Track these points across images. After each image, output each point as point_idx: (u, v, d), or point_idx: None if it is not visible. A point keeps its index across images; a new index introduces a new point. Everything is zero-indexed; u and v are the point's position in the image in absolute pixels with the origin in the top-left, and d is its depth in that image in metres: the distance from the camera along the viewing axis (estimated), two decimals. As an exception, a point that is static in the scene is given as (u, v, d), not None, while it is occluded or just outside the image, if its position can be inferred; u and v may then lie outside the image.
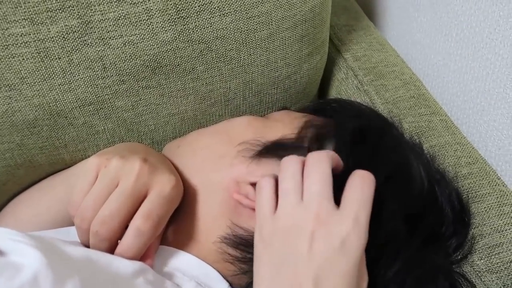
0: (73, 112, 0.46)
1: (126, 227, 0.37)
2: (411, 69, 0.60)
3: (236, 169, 0.40)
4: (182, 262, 0.39)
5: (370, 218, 0.31)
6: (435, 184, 0.41)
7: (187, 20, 0.44)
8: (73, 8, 0.41)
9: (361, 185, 0.32)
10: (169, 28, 0.44)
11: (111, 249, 0.37)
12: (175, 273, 0.37)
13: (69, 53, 0.42)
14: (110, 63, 0.44)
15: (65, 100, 0.45)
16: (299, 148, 0.39)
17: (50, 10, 0.40)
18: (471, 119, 0.53)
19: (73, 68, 0.43)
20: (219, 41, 0.46)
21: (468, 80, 0.53)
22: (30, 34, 0.41)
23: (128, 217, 0.36)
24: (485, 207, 0.45)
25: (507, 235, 0.43)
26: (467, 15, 0.51)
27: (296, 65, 0.52)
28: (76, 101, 0.45)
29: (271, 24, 0.47)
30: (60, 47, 0.42)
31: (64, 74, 0.43)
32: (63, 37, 0.41)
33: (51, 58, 0.42)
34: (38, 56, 0.42)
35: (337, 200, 0.32)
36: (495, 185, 0.47)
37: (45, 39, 0.41)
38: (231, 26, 0.46)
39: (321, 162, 0.33)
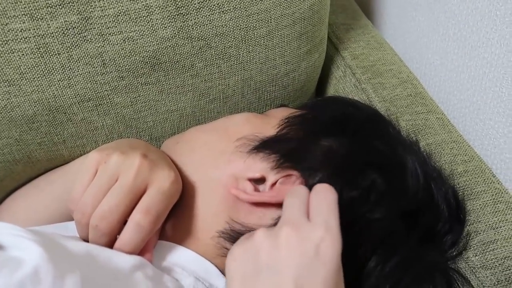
0: (72, 108, 0.46)
1: (125, 222, 0.37)
2: (408, 67, 0.60)
3: (233, 165, 0.40)
4: (180, 257, 0.39)
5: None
6: (431, 181, 0.41)
7: (186, 17, 0.44)
8: (73, 4, 0.41)
9: (324, 194, 0.32)
10: (168, 25, 0.44)
11: (110, 244, 0.37)
12: (174, 268, 0.38)
13: (68, 49, 0.42)
14: (110, 59, 0.44)
15: (64, 96, 0.45)
16: (290, 142, 0.40)
17: (50, 5, 0.40)
18: (467, 118, 0.54)
19: (72, 64, 0.43)
20: (218, 38, 0.46)
21: (464, 79, 0.53)
22: (29, 30, 0.41)
23: (127, 212, 0.36)
24: (480, 205, 0.45)
25: (501, 232, 0.43)
26: (464, 15, 0.51)
27: (294, 63, 0.52)
28: (75, 97, 0.46)
29: (270, 22, 0.48)
30: (59, 43, 0.42)
31: (64, 70, 0.43)
32: (63, 33, 0.42)
33: (50, 54, 0.42)
34: (38, 52, 0.42)
35: None
36: (490, 183, 0.47)
37: (45, 35, 0.41)
38: (230, 24, 0.46)
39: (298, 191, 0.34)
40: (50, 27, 0.41)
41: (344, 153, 0.39)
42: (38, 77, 0.43)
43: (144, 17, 0.43)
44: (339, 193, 0.33)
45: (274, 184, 0.38)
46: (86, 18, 0.42)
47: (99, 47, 0.43)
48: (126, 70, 0.45)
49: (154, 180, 0.38)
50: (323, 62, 0.59)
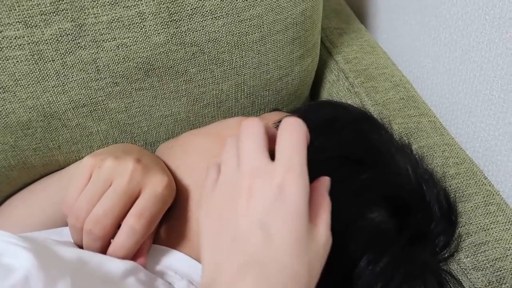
0: (67, 114, 0.47)
1: (119, 226, 0.37)
2: (401, 71, 0.61)
3: None
4: (174, 261, 0.39)
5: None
6: (423, 183, 0.42)
7: (179, 23, 0.45)
8: (66, 11, 0.41)
9: (290, 131, 0.30)
10: (161, 31, 0.44)
11: (104, 249, 0.37)
12: (167, 272, 0.38)
13: (63, 55, 0.43)
14: (104, 66, 0.45)
15: (58, 102, 0.45)
16: None
17: (44, 13, 0.41)
18: (459, 120, 0.54)
19: (66, 70, 0.44)
20: (211, 43, 0.47)
21: (456, 82, 0.54)
22: (24, 37, 0.41)
23: (121, 216, 0.37)
24: (471, 206, 0.46)
25: (492, 233, 0.44)
26: (454, 19, 0.52)
27: (287, 68, 0.53)
28: (70, 103, 0.46)
29: (263, 27, 0.48)
30: (54, 50, 0.42)
31: (58, 76, 0.44)
32: (57, 39, 0.42)
33: (45, 61, 0.43)
34: (32, 59, 0.42)
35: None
36: (482, 185, 0.48)
37: (39, 42, 0.42)
38: (223, 29, 0.47)
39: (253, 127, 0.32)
40: (44, 34, 0.41)
41: (336, 154, 0.39)
42: (33, 84, 0.43)
43: (138, 24, 0.43)
44: (331, 191, 0.33)
45: None
46: (80, 25, 0.42)
47: (93, 53, 0.44)
48: (120, 76, 0.46)
49: (147, 184, 0.38)
50: (317, 66, 0.59)
